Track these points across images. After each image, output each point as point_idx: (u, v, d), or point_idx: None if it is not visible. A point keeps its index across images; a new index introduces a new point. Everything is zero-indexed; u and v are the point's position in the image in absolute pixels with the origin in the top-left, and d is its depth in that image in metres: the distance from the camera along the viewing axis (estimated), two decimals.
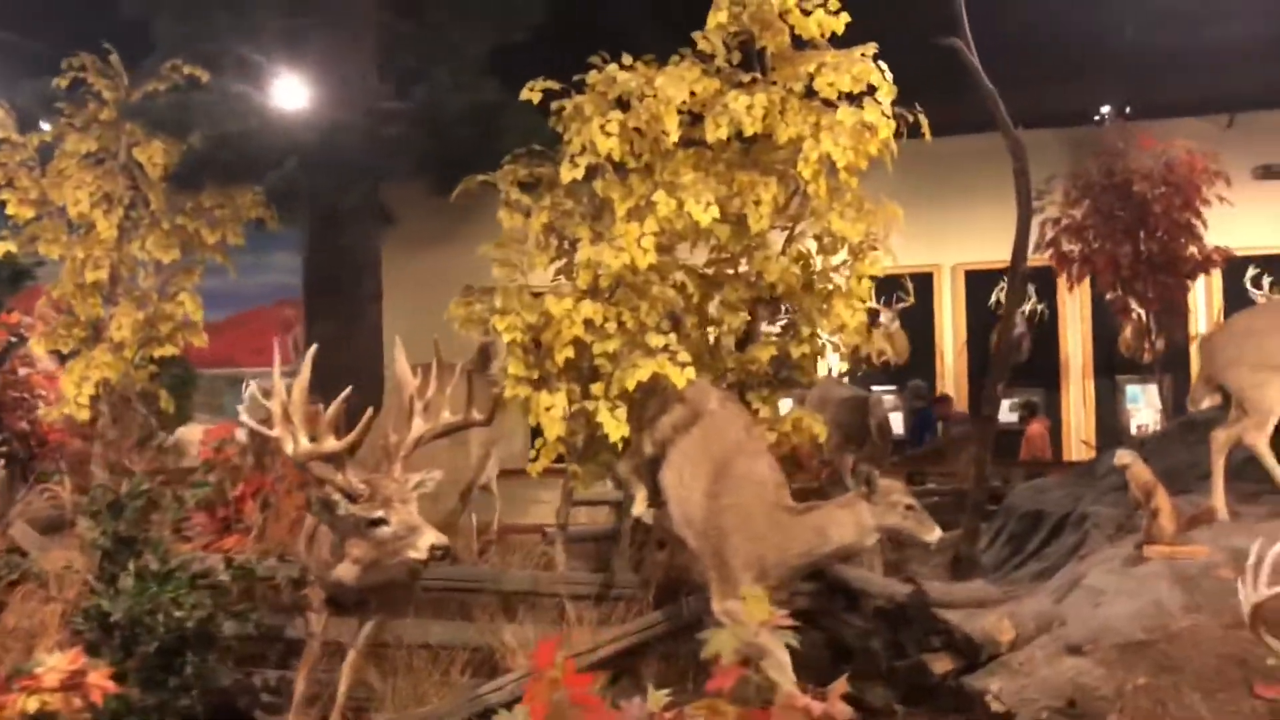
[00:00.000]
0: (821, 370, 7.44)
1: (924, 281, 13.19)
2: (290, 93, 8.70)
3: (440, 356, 5.20)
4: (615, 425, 5.50)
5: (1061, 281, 10.75)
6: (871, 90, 5.79)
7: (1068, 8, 10.26)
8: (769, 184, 5.88)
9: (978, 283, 13.04)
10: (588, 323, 5.62)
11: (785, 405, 6.86)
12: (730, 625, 3.30)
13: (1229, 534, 5.57)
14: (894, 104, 5.82)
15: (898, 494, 4.89)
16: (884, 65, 5.85)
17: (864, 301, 6.05)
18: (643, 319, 5.69)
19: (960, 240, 12.01)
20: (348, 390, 4.76)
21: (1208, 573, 5.14)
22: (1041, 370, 13.12)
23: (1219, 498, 6.07)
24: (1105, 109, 12.04)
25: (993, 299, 12.86)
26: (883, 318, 13.21)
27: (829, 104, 5.86)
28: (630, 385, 5.39)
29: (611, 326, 5.66)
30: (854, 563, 5.75)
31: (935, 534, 4.85)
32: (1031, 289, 12.23)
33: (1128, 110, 11.85)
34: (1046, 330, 12.85)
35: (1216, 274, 9.57)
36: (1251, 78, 7.16)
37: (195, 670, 4.88)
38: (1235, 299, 11.05)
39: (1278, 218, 9.91)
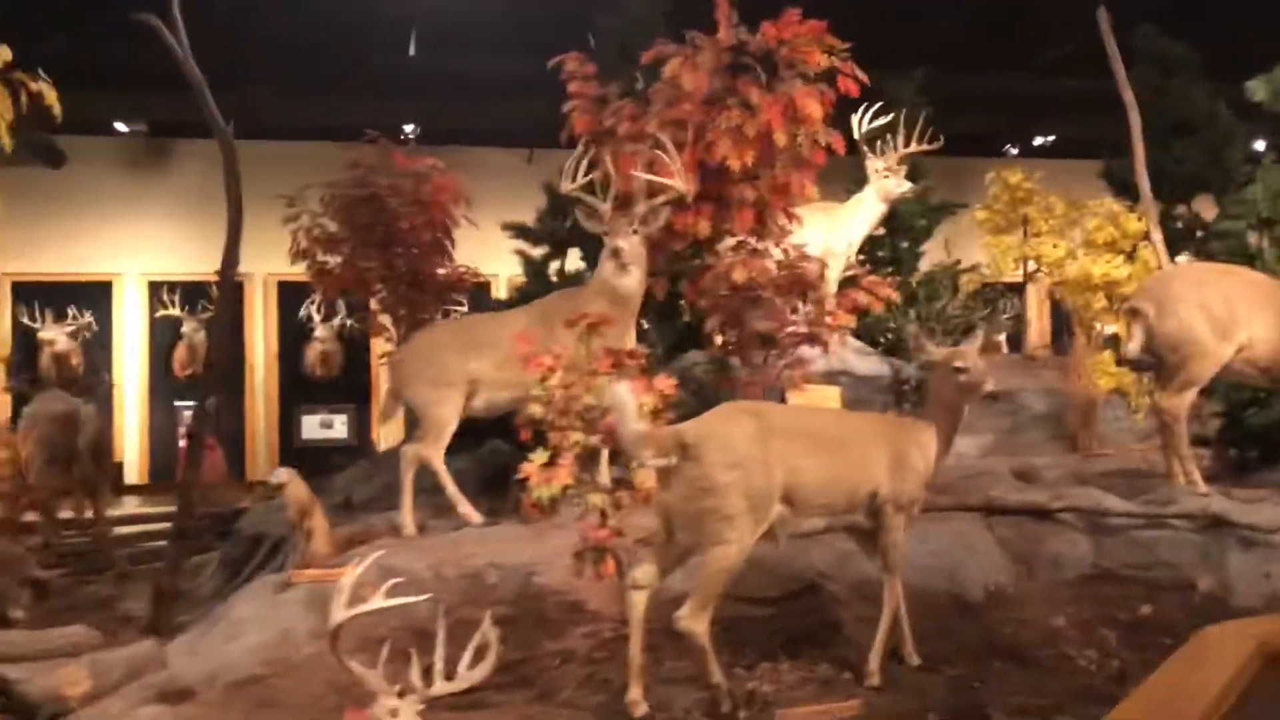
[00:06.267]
0: None
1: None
2: None
3: None
4: None
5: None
6: None
7: (357, 20, 10.13)
8: None
9: (293, 295, 13.03)
10: None
11: None
12: None
13: (400, 552, 5.36)
14: None
15: None
16: None
17: None
18: None
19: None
20: None
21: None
22: (359, 388, 13.53)
23: (407, 514, 6.00)
24: (409, 128, 12.19)
25: (304, 310, 13.02)
26: (186, 326, 13.08)
27: None
28: None
29: None
30: None
31: None
32: (341, 303, 11.97)
33: (415, 132, 12.08)
34: (360, 346, 12.89)
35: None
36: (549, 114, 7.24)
37: None
38: None
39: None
